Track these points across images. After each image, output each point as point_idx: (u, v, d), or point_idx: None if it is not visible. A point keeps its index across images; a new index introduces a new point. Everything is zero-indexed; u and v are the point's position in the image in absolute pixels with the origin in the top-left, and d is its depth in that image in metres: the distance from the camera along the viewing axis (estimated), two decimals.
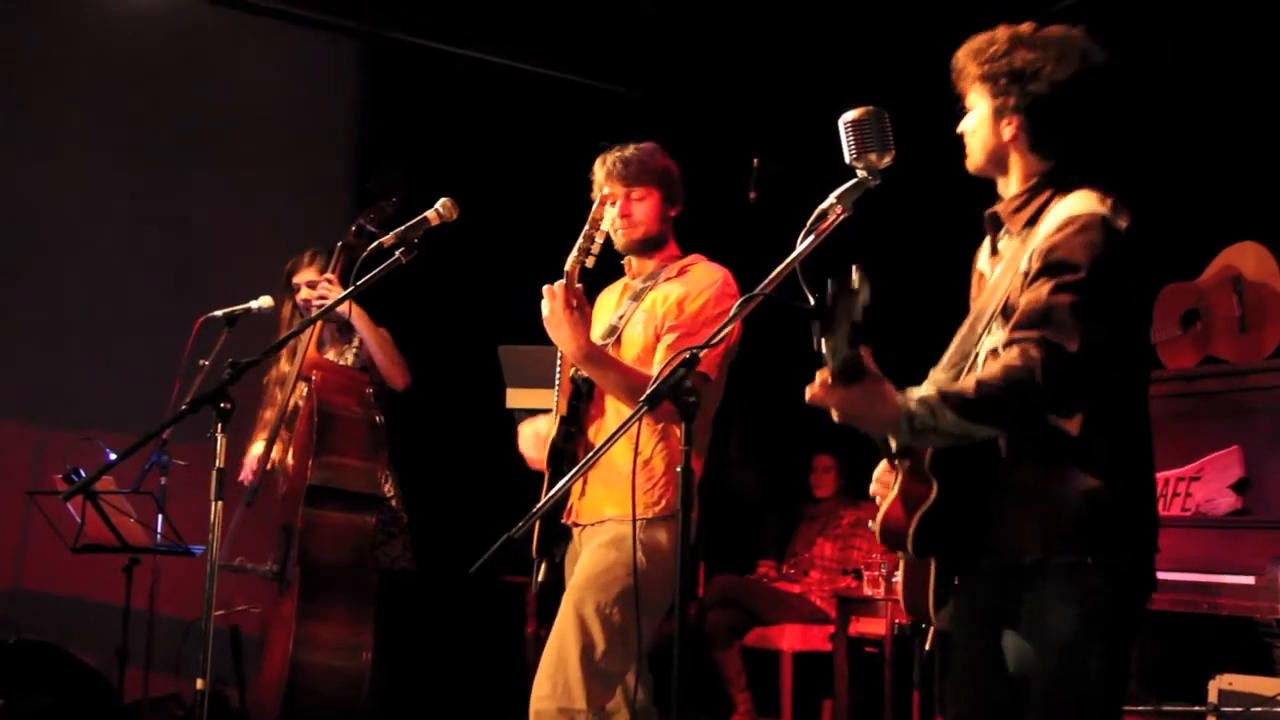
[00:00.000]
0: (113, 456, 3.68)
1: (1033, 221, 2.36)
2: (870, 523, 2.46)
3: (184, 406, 3.04)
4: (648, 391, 2.24)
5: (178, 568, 4.60)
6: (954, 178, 2.56)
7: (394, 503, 4.56)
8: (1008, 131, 2.39)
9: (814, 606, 5.85)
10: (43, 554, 4.98)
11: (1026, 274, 2.27)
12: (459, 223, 3.21)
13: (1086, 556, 2.25)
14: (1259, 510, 3.85)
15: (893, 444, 2.36)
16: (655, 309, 3.28)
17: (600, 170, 3.40)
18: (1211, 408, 4.08)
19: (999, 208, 2.44)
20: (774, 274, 2.31)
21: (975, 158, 2.45)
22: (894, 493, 2.34)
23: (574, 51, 6.20)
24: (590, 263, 3.18)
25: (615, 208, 3.35)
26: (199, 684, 2.93)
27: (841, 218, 2.35)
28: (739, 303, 2.28)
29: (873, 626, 5.18)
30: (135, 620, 4.50)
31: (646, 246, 3.40)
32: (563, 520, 3.33)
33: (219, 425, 2.88)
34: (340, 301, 3.48)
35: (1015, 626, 2.31)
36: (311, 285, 4.52)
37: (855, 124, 2.38)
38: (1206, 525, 3.93)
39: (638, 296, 3.35)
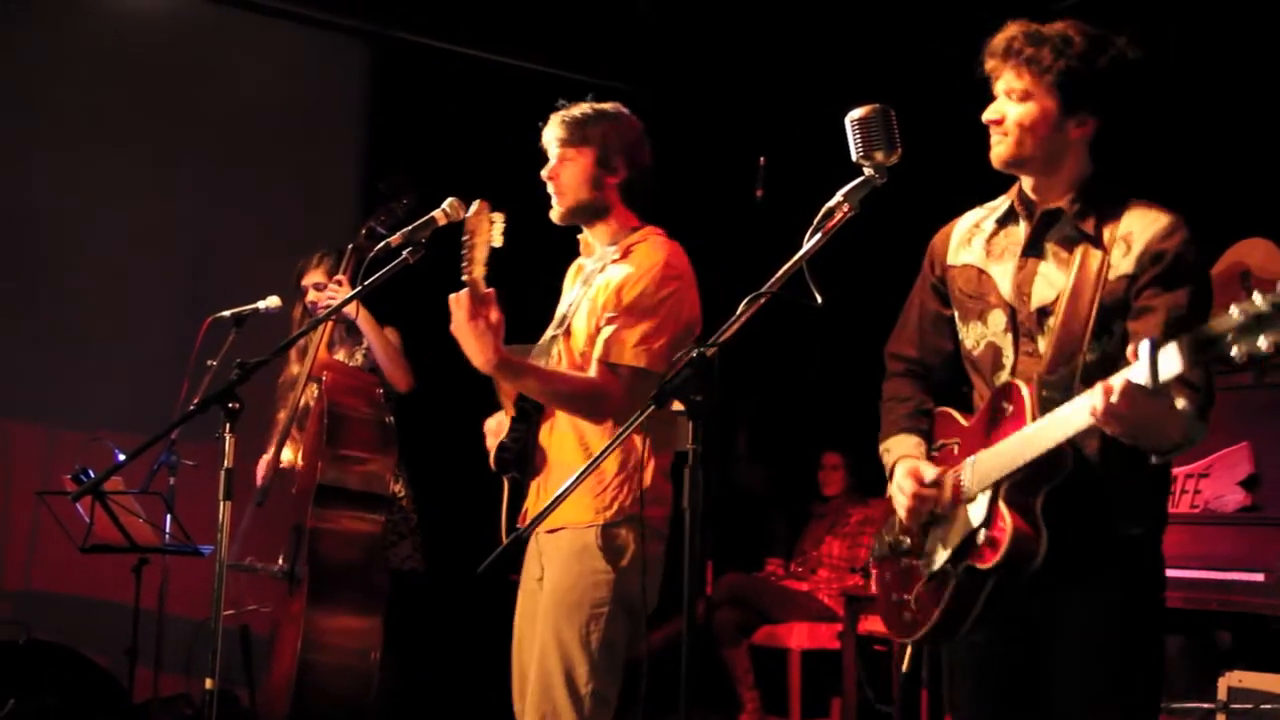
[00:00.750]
0: (121, 457, 3.69)
1: (1100, 223, 2.37)
2: (985, 535, 2.32)
3: (192, 407, 3.06)
4: (655, 390, 2.23)
5: (187, 568, 4.62)
6: (958, 175, 2.56)
7: (404, 503, 4.57)
8: (1076, 132, 2.39)
9: (822, 605, 5.85)
10: (52, 554, 5.00)
11: (1133, 276, 2.31)
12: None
13: (1133, 528, 2.33)
14: (1268, 507, 3.83)
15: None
16: (598, 296, 3.06)
17: (544, 132, 3.19)
18: (1220, 405, 4.06)
19: (1061, 205, 2.42)
20: (781, 272, 2.30)
21: (1024, 149, 2.39)
22: (1006, 508, 2.28)
23: (581, 50, 6.20)
24: (477, 273, 2.89)
25: (546, 171, 3.15)
26: (208, 683, 2.94)
27: (848, 216, 2.35)
28: (746, 301, 2.27)
29: (881, 625, 5.16)
30: (144, 620, 4.51)
31: (581, 216, 3.16)
32: (518, 524, 3.12)
33: (227, 425, 2.89)
34: (347, 302, 3.49)
35: (1043, 626, 2.35)
36: (319, 287, 4.53)
37: (861, 122, 2.38)
38: (1216, 522, 3.91)
39: (588, 280, 3.16)
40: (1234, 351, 1.88)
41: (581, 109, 3.19)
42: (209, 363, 4.39)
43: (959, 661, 2.52)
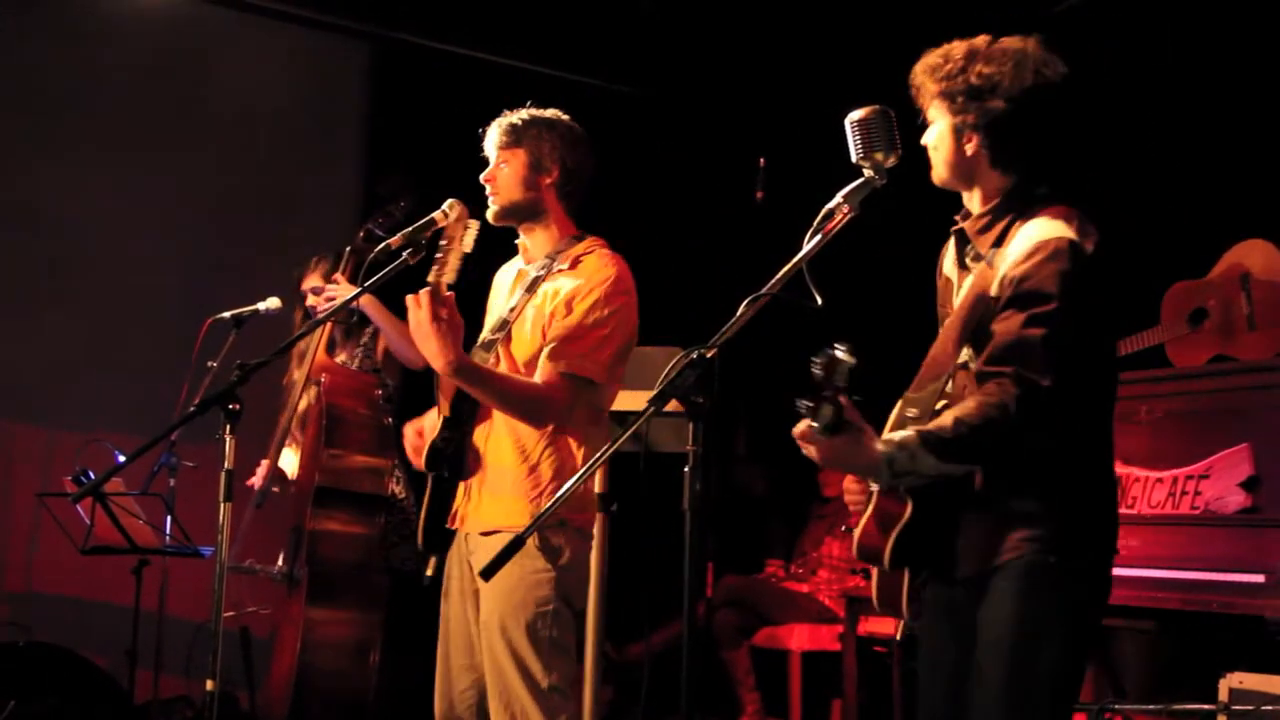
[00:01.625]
0: (121, 458, 3.69)
1: (999, 243, 2.38)
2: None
3: (192, 408, 3.06)
4: (654, 392, 2.23)
5: (187, 569, 4.62)
6: None
7: (405, 504, 4.57)
8: (969, 148, 2.40)
9: (822, 606, 5.85)
10: (52, 556, 5.00)
11: (997, 299, 2.31)
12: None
13: (1050, 556, 2.31)
14: (1269, 508, 3.83)
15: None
16: (545, 305, 3.11)
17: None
18: (1220, 406, 4.07)
19: (965, 225, 2.46)
20: (781, 274, 2.30)
21: (940, 172, 2.46)
22: (869, 511, 2.41)
23: (582, 52, 6.20)
24: (448, 278, 2.97)
25: (484, 174, 3.21)
26: (209, 685, 2.94)
27: (848, 217, 2.35)
28: (746, 302, 2.27)
29: (881, 626, 5.17)
30: (145, 622, 4.50)
31: (515, 216, 3.20)
32: (449, 525, 3.17)
33: (227, 427, 2.89)
34: (349, 302, 3.50)
35: (975, 621, 2.36)
36: (317, 291, 4.52)
37: (862, 123, 2.38)
38: (1216, 524, 3.91)
39: (531, 287, 3.18)
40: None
41: (519, 114, 3.25)
42: (209, 364, 4.39)
43: (919, 663, 2.55)
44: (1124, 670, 4.17)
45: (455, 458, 3.15)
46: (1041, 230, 2.30)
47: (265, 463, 4.57)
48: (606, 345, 3.08)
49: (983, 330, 2.32)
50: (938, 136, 2.43)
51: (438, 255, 2.97)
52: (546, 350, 3.06)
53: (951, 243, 2.57)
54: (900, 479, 2.29)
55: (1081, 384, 2.28)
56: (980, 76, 2.35)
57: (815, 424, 2.26)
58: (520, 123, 3.21)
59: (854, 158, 2.39)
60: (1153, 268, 4.65)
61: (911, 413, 2.38)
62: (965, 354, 2.37)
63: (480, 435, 3.15)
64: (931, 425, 2.27)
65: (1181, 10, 4.86)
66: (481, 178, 3.21)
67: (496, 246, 3.34)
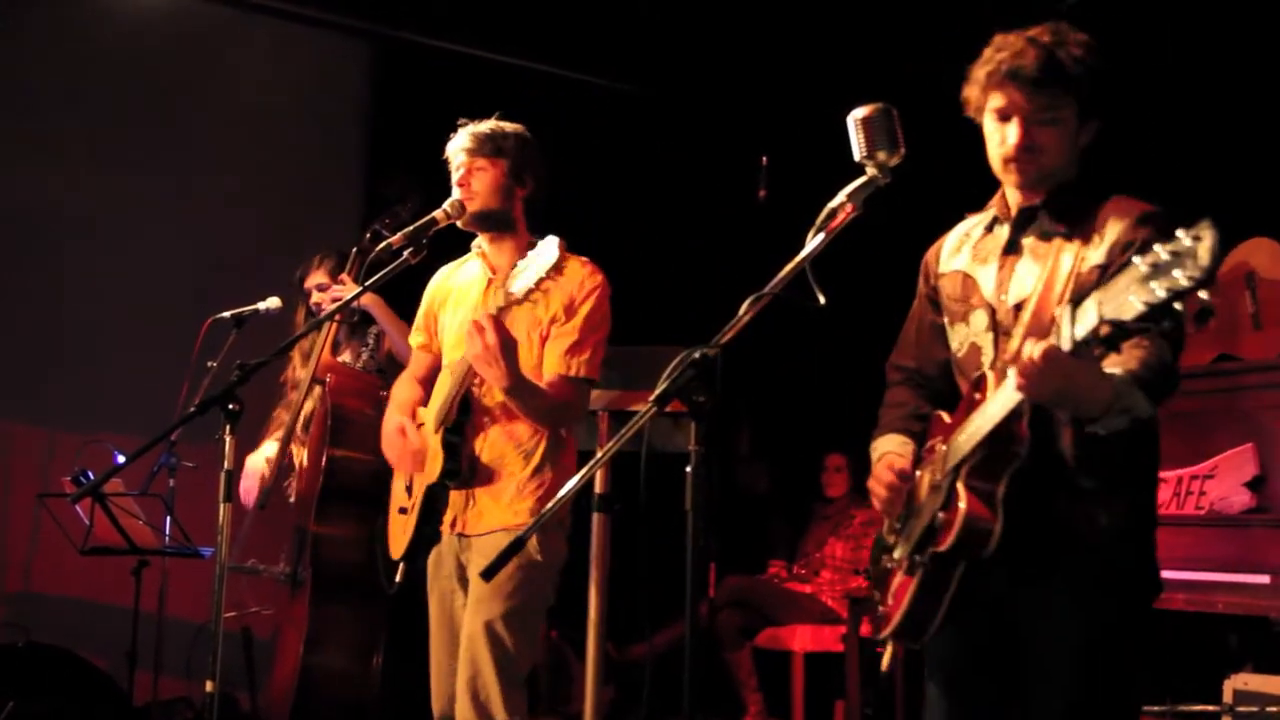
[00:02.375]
0: (121, 459, 3.68)
1: (1078, 217, 2.36)
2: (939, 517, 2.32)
3: (192, 408, 3.05)
4: (656, 391, 2.21)
5: (188, 570, 4.61)
6: (962, 175, 2.54)
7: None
8: (1084, 138, 2.40)
9: (825, 607, 5.83)
10: (52, 557, 4.99)
11: (1104, 266, 2.27)
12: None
13: (1117, 559, 2.30)
14: (1274, 508, 3.82)
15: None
16: (540, 316, 3.20)
17: (450, 144, 3.29)
18: (1225, 405, 4.05)
19: (1035, 202, 2.42)
20: (784, 273, 2.28)
21: (1052, 161, 2.38)
22: (963, 489, 2.26)
23: (584, 51, 6.19)
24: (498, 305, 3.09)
25: (457, 178, 3.25)
26: (209, 686, 2.93)
27: (851, 216, 2.33)
28: (748, 301, 2.25)
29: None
30: (145, 622, 4.49)
31: (487, 223, 3.26)
32: (442, 528, 3.26)
33: (227, 427, 2.89)
34: (351, 301, 3.49)
35: (1022, 625, 2.33)
36: (322, 288, 4.51)
37: (864, 122, 2.36)
38: (1221, 524, 3.90)
39: (522, 300, 3.13)
40: (1138, 301, 1.85)
41: (492, 125, 3.30)
42: (209, 364, 4.38)
43: (933, 672, 2.50)
44: None
45: (467, 474, 3.23)
46: (1138, 205, 2.34)
47: (269, 459, 4.55)
48: (602, 348, 3.24)
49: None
50: (1059, 126, 2.37)
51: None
52: (558, 358, 3.17)
53: (965, 240, 2.55)
54: (1121, 417, 2.18)
55: None
56: (1102, 70, 2.36)
57: (1064, 339, 2.02)
58: (498, 132, 3.27)
59: (857, 156, 2.37)
60: None
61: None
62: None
63: (480, 443, 3.23)
64: (1128, 367, 2.20)
65: (1183, 8, 4.84)
66: (456, 180, 3.25)
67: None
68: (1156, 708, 3.74)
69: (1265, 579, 3.69)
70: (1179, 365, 2.27)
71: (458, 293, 3.37)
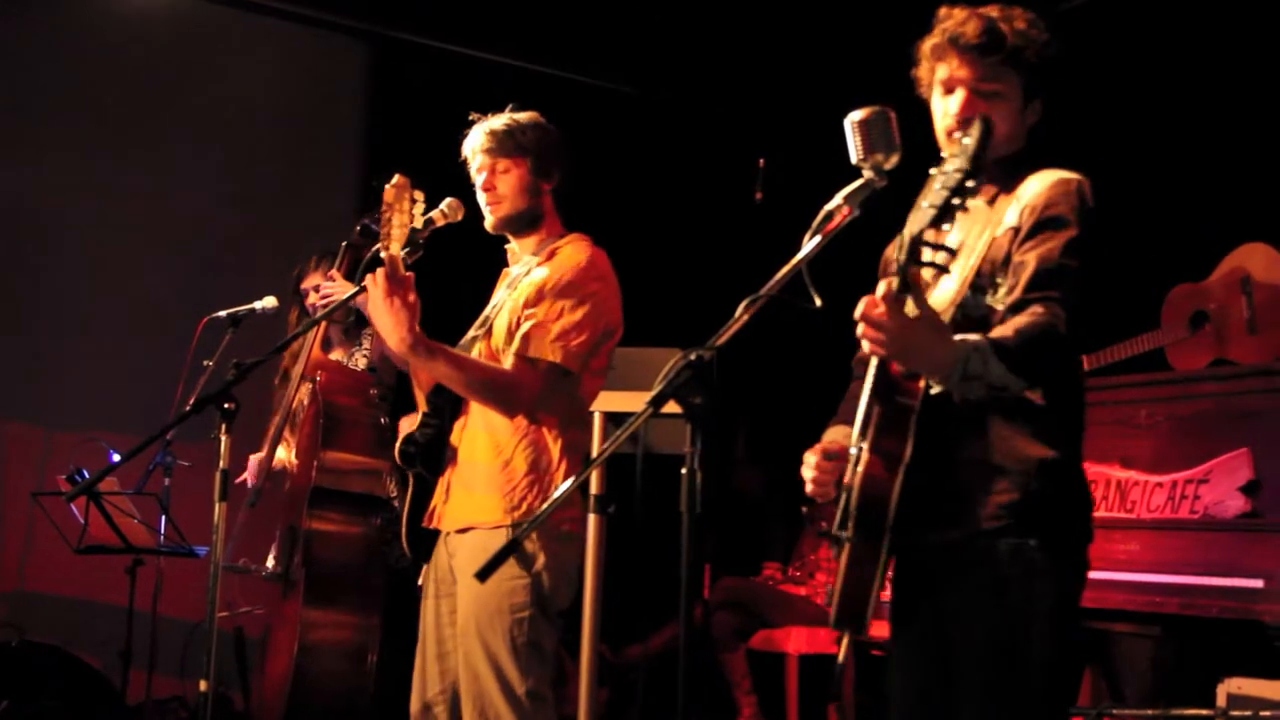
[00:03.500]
0: (116, 457, 3.68)
1: (1002, 189, 2.36)
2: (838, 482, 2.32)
3: (188, 407, 3.05)
4: (652, 393, 2.21)
5: (182, 569, 4.60)
6: None
7: (397, 503, 4.55)
8: (1031, 118, 2.39)
9: (820, 609, 5.83)
10: (46, 555, 4.98)
11: (1017, 229, 2.27)
12: (466, 222, 3.19)
13: (1030, 538, 2.24)
14: (1268, 513, 3.82)
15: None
16: (519, 296, 3.07)
17: (466, 143, 3.18)
18: (1220, 410, 4.05)
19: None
20: (780, 275, 2.28)
21: (995, 143, 2.32)
22: (866, 451, 2.24)
23: (581, 51, 6.19)
24: (394, 249, 2.90)
25: (480, 182, 3.15)
26: (203, 685, 2.93)
27: (848, 218, 2.33)
28: (745, 303, 2.25)
29: (879, 629, 5.14)
30: (139, 621, 4.49)
31: (517, 224, 3.17)
32: (424, 524, 3.14)
33: (223, 426, 2.88)
34: (347, 300, 3.48)
35: (953, 615, 2.30)
36: (318, 290, 4.49)
37: (862, 124, 2.36)
38: (1215, 528, 3.90)
39: (512, 284, 3.15)
40: (927, 205, 1.99)
41: (506, 120, 3.18)
42: (205, 363, 4.38)
43: (892, 656, 2.48)
44: (1122, 674, 4.16)
45: (434, 454, 3.12)
46: (1060, 172, 2.32)
47: (257, 459, 4.55)
48: (578, 332, 3.02)
49: (1015, 260, 2.26)
50: (1003, 102, 2.35)
51: (380, 228, 2.93)
52: (517, 337, 3.01)
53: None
54: (969, 383, 2.13)
55: (1084, 332, 2.25)
56: (1051, 48, 2.35)
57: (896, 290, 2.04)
58: (516, 127, 3.16)
59: (854, 159, 2.36)
60: (1153, 271, 4.64)
61: None
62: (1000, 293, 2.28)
63: (457, 431, 3.11)
64: (995, 333, 2.17)
65: (1182, 12, 4.85)
66: (479, 186, 3.16)
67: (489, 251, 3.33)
68: (1150, 711, 3.74)
69: (1259, 583, 3.69)
70: (1074, 337, 2.19)
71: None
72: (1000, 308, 2.26)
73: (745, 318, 2.24)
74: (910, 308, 2.09)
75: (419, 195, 2.96)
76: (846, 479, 2.29)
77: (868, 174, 2.35)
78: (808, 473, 2.46)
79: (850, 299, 2.19)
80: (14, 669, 4.67)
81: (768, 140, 6.08)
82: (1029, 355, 2.15)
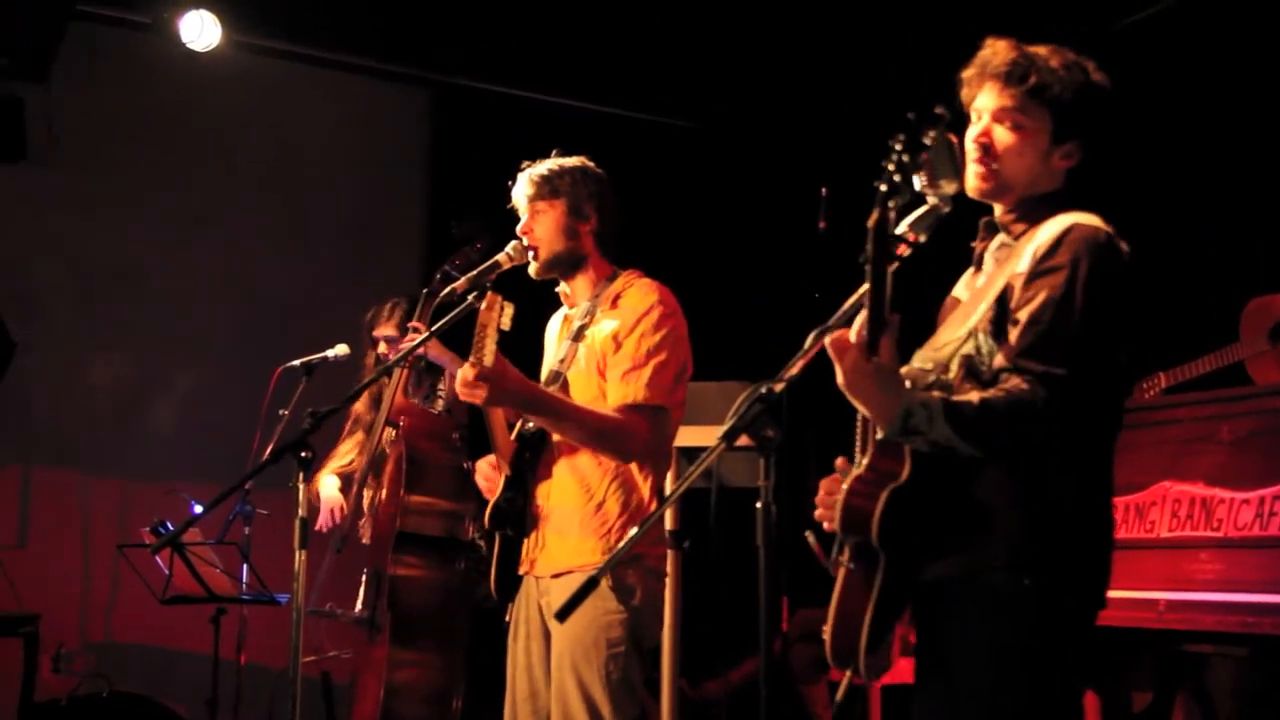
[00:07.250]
0: (197, 508, 3.73)
1: (1027, 229, 2.34)
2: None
3: (265, 457, 3.09)
4: (725, 428, 2.21)
5: (267, 616, 4.65)
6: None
7: (482, 543, 4.56)
8: (1063, 160, 2.35)
9: (901, 639, 5.76)
10: (133, 606, 5.05)
11: (1025, 274, 2.25)
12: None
13: (1024, 578, 2.20)
14: None
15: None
16: (596, 347, 3.14)
17: (513, 191, 3.26)
18: None
19: (1004, 217, 2.40)
20: (847, 304, 2.28)
21: (1011, 176, 2.35)
22: (860, 469, 2.26)
23: (637, 88, 6.22)
24: (489, 360, 3.00)
25: (520, 227, 3.23)
26: None
27: (915, 246, 2.32)
28: (813, 335, 2.25)
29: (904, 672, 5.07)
30: (224, 669, 4.54)
31: (560, 267, 3.23)
32: (519, 571, 3.20)
33: (300, 474, 2.91)
34: (415, 349, 3.51)
35: (948, 653, 2.29)
36: (390, 341, 4.51)
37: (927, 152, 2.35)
38: None
39: (578, 336, 3.20)
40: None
41: (548, 165, 3.25)
42: (280, 412, 4.43)
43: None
44: (1216, 699, 4.06)
45: (519, 516, 3.18)
46: (1077, 216, 2.27)
47: (326, 502, 4.56)
48: (665, 370, 3.09)
49: (1012, 308, 2.23)
50: (1028, 139, 2.33)
51: (475, 341, 3.01)
52: (610, 388, 3.08)
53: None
54: (907, 437, 2.14)
55: (1097, 388, 2.19)
56: (1092, 91, 2.32)
57: (869, 325, 2.09)
58: (554, 172, 3.22)
59: (917, 186, 2.35)
60: (1231, 283, 4.56)
61: (927, 365, 2.28)
62: (982, 341, 2.26)
63: (542, 491, 3.17)
64: (958, 398, 2.16)
65: (1253, 18, 4.77)
66: (519, 229, 3.22)
67: (544, 296, 3.35)
68: None
69: None
70: (1061, 411, 2.13)
71: (550, 337, 3.39)
72: (997, 366, 2.22)
73: (815, 350, 2.24)
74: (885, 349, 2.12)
75: (509, 306, 3.04)
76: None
77: (932, 200, 2.34)
78: (819, 501, 2.45)
79: (917, 324, 2.18)
80: (105, 719, 4.73)
81: (829, 168, 6.07)
82: (986, 427, 2.13)
